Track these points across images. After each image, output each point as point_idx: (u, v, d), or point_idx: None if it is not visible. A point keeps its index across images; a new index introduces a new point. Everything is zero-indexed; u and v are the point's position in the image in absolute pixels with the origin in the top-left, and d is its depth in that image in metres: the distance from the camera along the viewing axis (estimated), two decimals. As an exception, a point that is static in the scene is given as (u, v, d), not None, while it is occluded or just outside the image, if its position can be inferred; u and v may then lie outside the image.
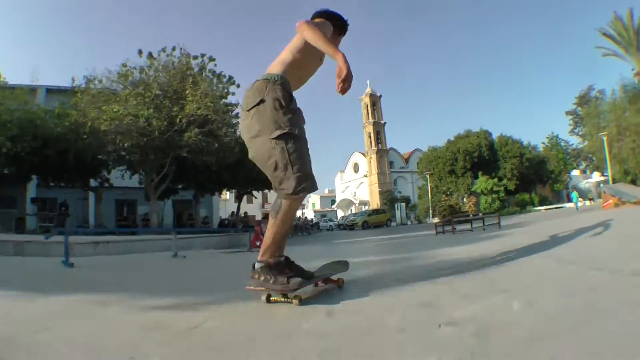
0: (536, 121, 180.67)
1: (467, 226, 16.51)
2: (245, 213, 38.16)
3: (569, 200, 57.92)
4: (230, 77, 26.51)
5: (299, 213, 67.39)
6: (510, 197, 55.13)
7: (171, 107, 22.73)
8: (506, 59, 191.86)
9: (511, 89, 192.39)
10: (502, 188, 53.92)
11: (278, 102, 3.20)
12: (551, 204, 57.44)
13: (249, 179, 30.48)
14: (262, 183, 31.12)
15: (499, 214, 16.88)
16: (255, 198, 51.50)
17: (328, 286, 3.65)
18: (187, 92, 22.97)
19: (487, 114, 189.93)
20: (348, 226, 47.43)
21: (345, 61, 3.12)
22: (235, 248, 14.38)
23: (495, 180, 53.99)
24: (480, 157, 57.06)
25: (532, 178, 60.04)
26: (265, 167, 3.30)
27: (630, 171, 44.79)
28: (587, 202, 51.34)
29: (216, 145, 23.65)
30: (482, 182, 53.60)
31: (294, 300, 3.05)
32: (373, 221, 48.61)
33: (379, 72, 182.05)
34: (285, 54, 3.52)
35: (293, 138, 3.18)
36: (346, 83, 3.19)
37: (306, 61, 3.61)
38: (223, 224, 33.63)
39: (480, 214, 21.06)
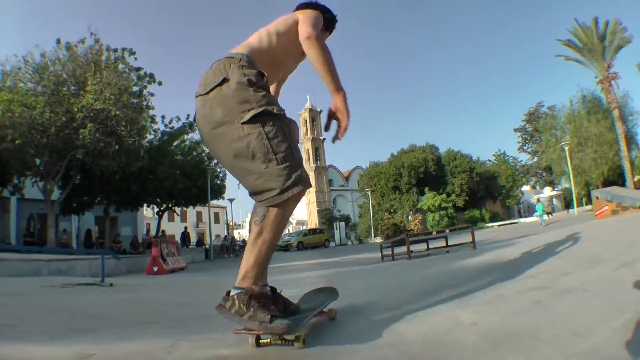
0: (483, 138, 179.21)
1: (421, 247, 13.41)
2: (164, 232, 33.84)
3: (521, 215, 59.28)
4: (151, 75, 25.11)
5: (221, 231, 62.94)
6: (459, 214, 51.89)
7: (70, 98, 20.27)
8: (452, 74, 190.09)
9: (458, 105, 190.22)
10: (450, 204, 50.65)
11: (247, 78, 2.42)
12: (502, 220, 55.38)
13: (164, 193, 28.56)
14: (183, 197, 30.81)
15: (472, 228, 12.60)
16: (178, 215, 46.24)
17: (319, 318, 2.83)
18: (88, 81, 20.48)
19: (432, 131, 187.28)
20: (282, 247, 42.89)
21: (346, 103, 2.59)
22: (96, 277, 10.51)
23: (444, 196, 50.64)
24: (426, 172, 53.96)
25: (482, 194, 57.59)
26: (234, 167, 2.48)
27: (592, 182, 44.30)
28: (546, 217, 46.92)
29: (117, 147, 21.00)
30: (429, 199, 49.80)
31: (295, 344, 2.27)
32: (309, 242, 45.07)
33: (319, 86, 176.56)
34: (257, 38, 2.78)
35: (272, 118, 2.39)
36: (344, 131, 2.64)
37: (284, 58, 2.92)
38: (88, 243, 28.63)
39: (448, 230, 15.60)
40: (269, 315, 2.20)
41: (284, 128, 2.42)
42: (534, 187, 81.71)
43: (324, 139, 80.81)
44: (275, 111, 2.39)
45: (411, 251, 11.23)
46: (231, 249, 37.08)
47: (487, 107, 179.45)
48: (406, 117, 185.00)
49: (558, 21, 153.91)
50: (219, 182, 34.67)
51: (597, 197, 15.34)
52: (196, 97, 2.59)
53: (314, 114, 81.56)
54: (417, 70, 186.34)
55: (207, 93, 2.46)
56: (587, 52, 42.81)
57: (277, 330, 2.19)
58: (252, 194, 2.41)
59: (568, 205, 64.02)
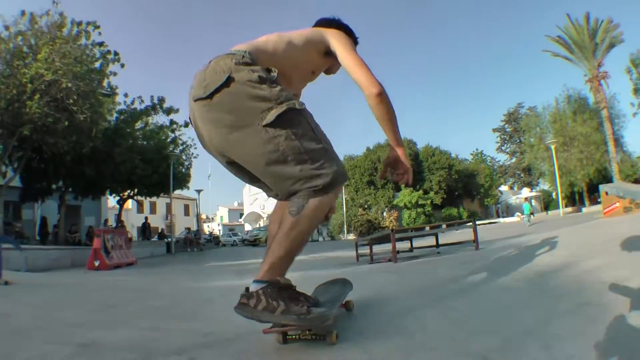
0: (461, 137, 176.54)
1: (403, 245, 11.15)
2: (122, 222, 31.89)
3: (499, 216, 58.84)
4: (116, 53, 23.83)
5: (192, 224, 60.36)
6: (436, 212, 50.23)
7: (23, 69, 18.53)
8: (432, 70, 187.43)
9: (437, 102, 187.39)
10: (428, 202, 48.70)
11: (257, 74, 2.19)
12: (480, 219, 52.29)
13: (122, 179, 26.32)
14: (143, 185, 28.46)
15: (474, 221, 9.61)
16: (137, 202, 44.72)
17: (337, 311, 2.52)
18: (42, 50, 18.89)
19: (410, 126, 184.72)
20: (250, 242, 41.99)
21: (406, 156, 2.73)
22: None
23: (421, 192, 48.46)
24: None
25: (459, 192, 55.97)
26: (268, 173, 2.27)
27: (577, 183, 44.80)
28: (519, 218, 48.40)
29: (67, 123, 19.00)
30: (406, 195, 47.56)
31: (327, 338, 2.12)
32: None
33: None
34: (265, 40, 2.51)
35: (297, 114, 2.21)
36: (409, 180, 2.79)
37: (290, 72, 2.56)
38: (43, 233, 26.22)
39: (445, 226, 12.60)
40: (305, 307, 2.03)
41: (310, 123, 2.25)
42: (511, 188, 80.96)
43: None
44: (297, 106, 2.17)
45: (397, 251, 8.66)
46: (195, 242, 34.48)
47: (466, 106, 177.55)
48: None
49: (546, 19, 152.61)
50: (183, 170, 32.25)
51: (606, 193, 13.84)
52: (194, 100, 2.27)
53: None
54: (395, 64, 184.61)
55: (211, 96, 2.16)
56: (578, 50, 41.66)
57: (317, 321, 2.01)
58: (285, 193, 2.24)
59: (547, 206, 64.74)
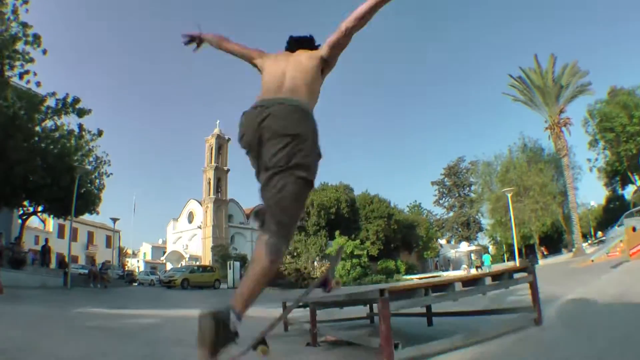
0: (397, 188, 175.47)
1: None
2: (15, 243, 26.14)
3: (437, 269, 58.71)
4: (37, 36, 22.04)
5: (111, 257, 55.04)
6: (372, 264, 46.18)
7: None
8: (374, 117, 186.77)
9: (377, 149, 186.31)
10: (365, 252, 44.38)
11: (316, 144, 2.74)
12: (417, 272, 51.64)
13: (17, 184, 22.20)
14: (41, 197, 24.55)
15: (534, 275, 4.29)
16: (42, 221, 39.65)
17: None
18: None
19: (345, 172, 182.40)
20: (165, 283, 37.26)
21: None
22: None
23: (357, 242, 44.07)
24: (338, 214, 47.87)
25: (397, 244, 52.65)
26: (278, 205, 2.55)
27: (531, 235, 43.56)
28: (475, 270, 46.86)
29: None
30: (341, 244, 41.61)
31: None
32: (197, 280, 37.52)
33: (231, 113, 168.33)
34: (308, 93, 2.90)
35: (311, 189, 2.73)
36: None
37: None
38: None
39: (489, 279, 7.18)
40: None
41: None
42: (449, 242, 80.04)
43: (228, 170, 76.73)
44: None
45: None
46: (100, 277, 28.25)
47: (405, 157, 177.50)
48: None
49: (504, 65, 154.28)
50: (94, 189, 27.84)
51: (633, 229, 11.46)
52: (268, 138, 2.59)
53: (221, 142, 77.03)
54: (333, 105, 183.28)
55: (288, 135, 2.52)
56: (540, 94, 39.85)
57: None
58: (271, 230, 2.48)
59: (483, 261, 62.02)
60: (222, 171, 75.70)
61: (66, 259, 28.46)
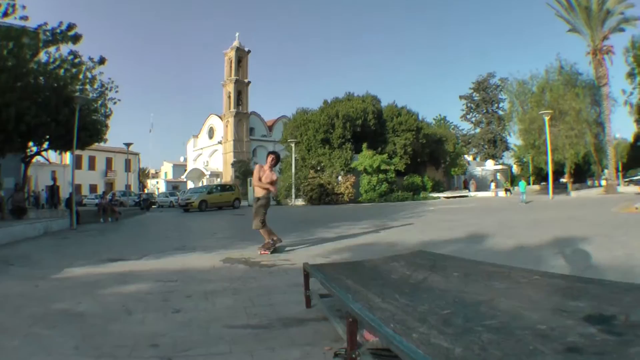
0: (423, 100, 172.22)
1: None
2: (22, 184, 24.70)
3: (465, 187, 56.31)
4: None
5: (133, 181, 54.45)
6: (398, 179, 44.42)
7: None
8: (402, 27, 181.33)
9: (402, 60, 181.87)
10: (392, 167, 42.38)
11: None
12: (444, 190, 51.17)
13: (8, 127, 19.93)
14: (39, 136, 22.86)
15: None
16: (47, 161, 35.38)
17: None
18: None
19: (372, 83, 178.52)
20: (182, 206, 36.69)
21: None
22: None
23: (385, 156, 42.06)
24: (364, 126, 45.13)
25: (425, 158, 50.53)
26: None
27: (563, 162, 41.38)
28: (503, 193, 47.40)
29: None
30: (367, 158, 41.09)
31: None
32: (214, 201, 37.03)
33: (253, 25, 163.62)
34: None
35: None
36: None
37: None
38: None
39: None
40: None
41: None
42: (474, 158, 78.26)
43: (249, 82, 75.06)
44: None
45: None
46: (110, 210, 26.83)
47: (433, 68, 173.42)
48: (344, 65, 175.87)
49: None
50: (100, 117, 25.88)
51: None
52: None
53: (241, 54, 75.03)
54: (362, 18, 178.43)
55: None
56: (585, 16, 37.86)
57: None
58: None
59: (512, 182, 61.91)
60: (243, 84, 74.04)
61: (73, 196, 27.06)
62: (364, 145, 42.11)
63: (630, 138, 61.37)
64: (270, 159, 9.69)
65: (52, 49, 22.51)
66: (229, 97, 72.87)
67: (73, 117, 20.95)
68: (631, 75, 47.27)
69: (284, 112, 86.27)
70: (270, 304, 5.17)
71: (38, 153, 26.09)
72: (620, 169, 53.61)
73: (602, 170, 44.65)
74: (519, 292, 2.96)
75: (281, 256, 9.03)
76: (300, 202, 41.17)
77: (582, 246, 8.87)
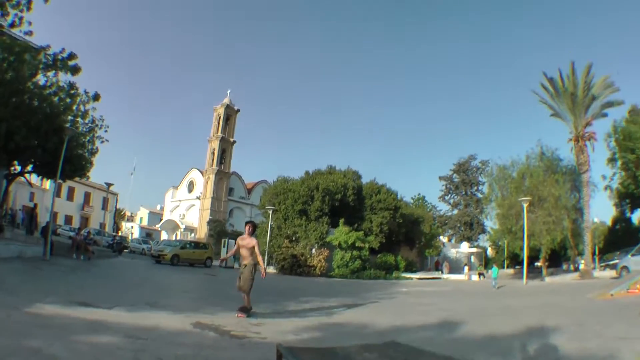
0: (403, 179, 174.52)
1: None
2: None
3: (437, 268, 56.58)
4: None
5: (108, 220, 54.01)
6: (371, 257, 44.44)
7: None
8: (388, 107, 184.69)
9: (385, 139, 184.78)
10: (366, 245, 42.50)
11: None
12: (416, 271, 51.07)
13: (2, 145, 20.45)
14: (25, 158, 23.57)
15: None
16: (28, 183, 36.78)
17: None
18: None
19: (353, 158, 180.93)
20: (154, 257, 36.30)
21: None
22: None
23: (361, 234, 42.10)
24: (343, 201, 45.29)
25: (400, 238, 50.67)
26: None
27: (539, 248, 41.48)
28: (477, 277, 47.07)
29: None
30: (343, 234, 41.05)
31: None
32: (187, 256, 36.86)
33: (244, 84, 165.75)
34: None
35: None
36: None
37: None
38: None
39: None
40: None
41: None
42: (450, 240, 79.08)
43: (234, 141, 76.36)
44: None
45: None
46: (83, 247, 26.20)
47: (415, 147, 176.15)
48: (328, 139, 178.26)
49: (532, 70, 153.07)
50: (86, 153, 26.36)
51: None
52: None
53: (230, 112, 76.59)
54: (347, 93, 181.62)
55: None
56: (569, 102, 38.34)
57: None
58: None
59: (486, 265, 62.16)
60: (228, 142, 75.10)
61: (46, 223, 26.83)
62: (341, 220, 42.11)
63: (608, 221, 62.33)
64: (247, 227, 11.28)
65: (50, 74, 22.87)
66: (213, 153, 73.35)
67: (60, 147, 21.30)
68: (612, 160, 48.65)
69: (264, 176, 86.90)
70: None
71: (21, 174, 26.30)
72: (597, 252, 54.53)
73: (579, 255, 45.21)
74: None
75: (252, 328, 9.13)
76: (271, 269, 40.46)
77: (554, 336, 9.01)
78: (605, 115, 39.09)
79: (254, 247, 10.78)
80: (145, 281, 19.49)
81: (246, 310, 10.65)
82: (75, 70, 22.97)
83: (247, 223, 11.42)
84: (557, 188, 38.41)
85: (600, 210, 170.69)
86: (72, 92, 23.88)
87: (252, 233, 11.11)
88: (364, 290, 24.03)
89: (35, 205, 32.06)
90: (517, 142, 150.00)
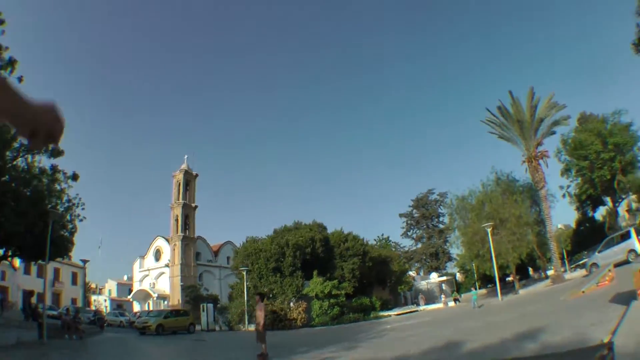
0: (362, 222, 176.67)
1: None
2: None
3: (411, 302, 59.86)
4: (11, 62, 20.76)
5: (78, 295, 53.60)
6: (347, 302, 45.70)
7: None
8: (340, 149, 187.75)
9: (340, 185, 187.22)
10: (342, 292, 43.89)
11: None
12: (392, 308, 52.64)
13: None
14: (13, 244, 23.91)
15: None
16: (13, 268, 36.66)
17: None
18: None
19: (312, 210, 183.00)
20: (139, 329, 36.69)
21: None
22: None
23: (335, 282, 43.59)
24: (313, 254, 46.92)
25: (372, 280, 52.64)
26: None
27: (507, 265, 43.49)
28: (453, 303, 48.78)
29: None
30: (318, 284, 42.56)
31: None
32: (171, 325, 37.65)
33: (200, 147, 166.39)
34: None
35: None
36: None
37: None
38: None
39: None
40: None
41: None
42: (418, 273, 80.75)
43: (196, 206, 76.72)
44: None
45: None
46: (74, 328, 26.38)
47: (369, 191, 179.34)
48: (286, 194, 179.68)
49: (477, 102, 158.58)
50: (67, 233, 26.96)
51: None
52: None
53: (188, 177, 77.15)
54: (296, 145, 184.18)
55: None
56: (517, 128, 40.84)
57: None
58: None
59: (458, 290, 64.18)
60: (190, 208, 75.30)
61: (39, 307, 27.10)
62: (315, 272, 43.44)
63: (572, 224, 66.64)
64: (257, 298, 15.47)
65: (30, 158, 23.48)
66: (177, 220, 73.50)
67: (46, 230, 21.73)
68: (567, 170, 53.07)
69: (228, 237, 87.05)
70: None
71: (4, 257, 26.41)
72: (565, 256, 57.23)
73: (548, 262, 47.00)
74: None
75: None
76: (252, 327, 39.83)
77: (537, 335, 10.44)
78: (554, 133, 41.60)
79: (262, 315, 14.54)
80: (146, 356, 20.17)
81: (264, 357, 14.13)
82: (57, 153, 23.84)
83: (257, 294, 15.56)
84: (517, 207, 40.38)
85: (564, 215, 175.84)
86: (56, 174, 24.66)
87: (261, 301, 14.97)
88: (351, 334, 24.80)
89: (32, 292, 32.15)
90: (476, 167, 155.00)
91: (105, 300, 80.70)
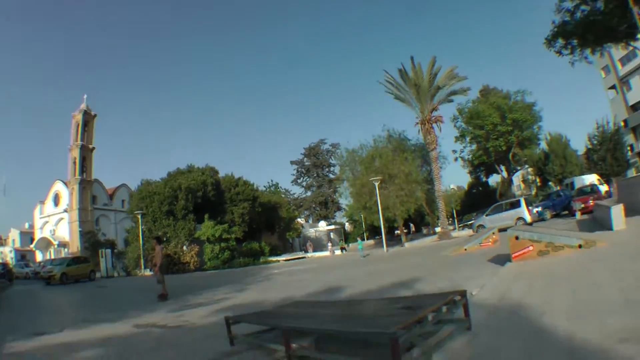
0: (254, 167, 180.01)
1: None
2: None
3: (297, 249, 62.51)
4: None
5: None
6: (237, 246, 48.11)
7: None
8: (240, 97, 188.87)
9: (235, 127, 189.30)
10: (232, 236, 46.30)
11: None
12: (282, 253, 55.13)
13: None
14: None
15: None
16: None
17: None
18: None
19: (208, 150, 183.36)
20: (45, 279, 36.22)
21: None
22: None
23: (225, 226, 45.93)
24: (205, 197, 48.96)
25: (261, 226, 55.26)
26: None
27: (395, 218, 46.06)
28: (339, 251, 51.75)
29: None
30: (209, 228, 44.77)
31: None
32: (74, 273, 37.42)
33: (101, 85, 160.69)
34: None
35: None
36: None
37: None
38: None
39: None
40: None
41: None
42: (307, 221, 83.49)
43: (94, 148, 74.77)
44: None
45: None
46: None
47: (262, 137, 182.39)
48: (183, 137, 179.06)
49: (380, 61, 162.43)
50: None
51: (516, 238, 12.36)
52: None
53: (87, 118, 74.63)
54: (197, 91, 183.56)
55: None
56: (415, 92, 42.24)
57: None
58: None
59: (347, 239, 68.73)
60: (88, 150, 73.77)
61: None
62: (206, 216, 45.40)
63: (465, 186, 71.97)
64: (154, 242, 17.75)
65: None
66: (75, 162, 71.33)
67: None
68: (462, 136, 57.43)
69: (124, 179, 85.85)
70: (202, 348, 7.07)
71: None
72: (455, 215, 62.07)
73: (437, 219, 47.96)
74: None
75: (179, 319, 10.80)
76: (148, 272, 41.50)
77: (414, 284, 11.42)
78: (451, 101, 43.54)
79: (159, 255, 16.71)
80: (61, 303, 20.14)
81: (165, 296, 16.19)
82: None
83: (154, 238, 18.08)
84: (407, 165, 42.32)
85: (459, 177, 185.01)
86: None
87: (159, 244, 17.25)
88: (242, 277, 25.99)
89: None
90: (370, 123, 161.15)
91: (10, 252, 78.47)
